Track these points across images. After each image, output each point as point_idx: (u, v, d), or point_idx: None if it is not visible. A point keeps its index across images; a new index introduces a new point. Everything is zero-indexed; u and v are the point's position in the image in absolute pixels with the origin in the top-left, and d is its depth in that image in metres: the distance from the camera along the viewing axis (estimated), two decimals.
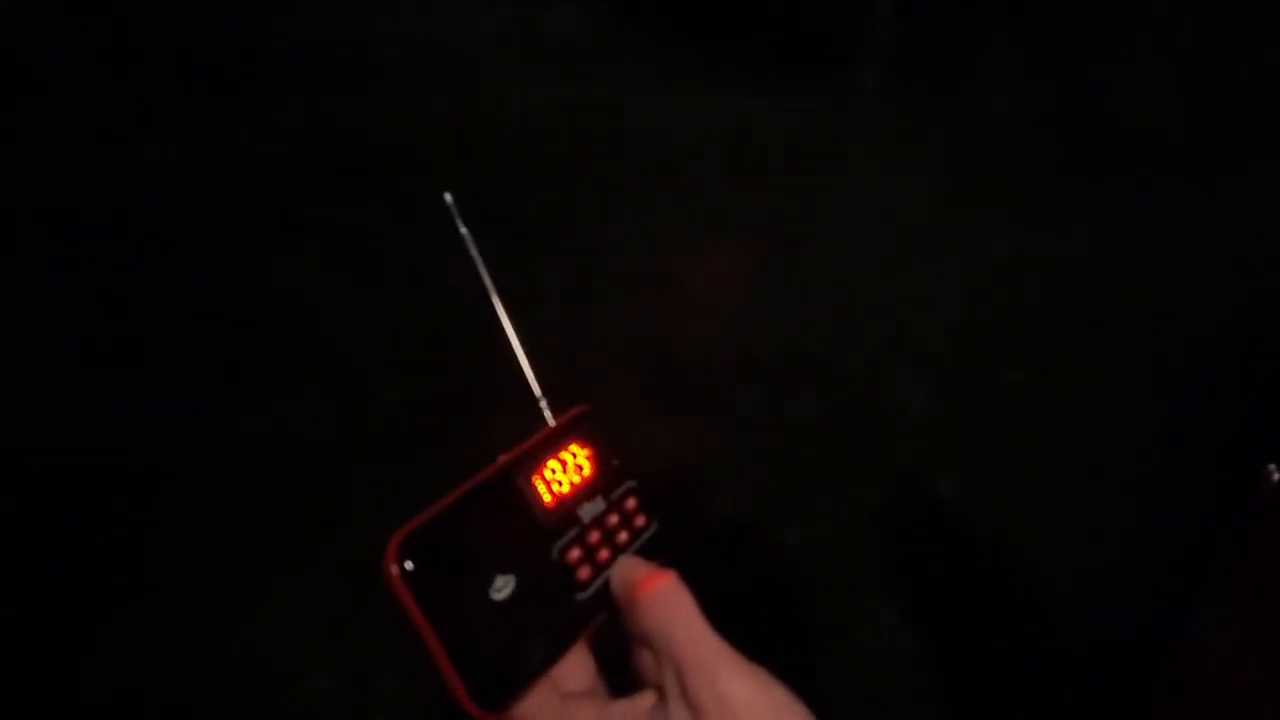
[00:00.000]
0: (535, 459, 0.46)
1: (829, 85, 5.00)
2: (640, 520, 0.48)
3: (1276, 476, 0.68)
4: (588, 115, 4.29)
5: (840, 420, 2.62)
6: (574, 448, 0.48)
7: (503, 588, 0.41)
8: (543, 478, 0.46)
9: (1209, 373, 2.86)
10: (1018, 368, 2.89)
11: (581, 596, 0.44)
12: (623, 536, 0.47)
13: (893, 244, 3.59)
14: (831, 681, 1.90)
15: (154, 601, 1.81)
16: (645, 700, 0.40)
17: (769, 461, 2.44)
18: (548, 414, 0.49)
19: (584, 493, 0.47)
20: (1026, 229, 3.78)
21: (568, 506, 0.46)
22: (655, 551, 0.48)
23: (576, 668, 0.44)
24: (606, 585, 0.45)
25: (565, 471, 0.47)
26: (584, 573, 0.44)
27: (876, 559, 2.18)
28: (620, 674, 0.45)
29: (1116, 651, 1.87)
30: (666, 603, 0.41)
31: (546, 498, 0.45)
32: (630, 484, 0.49)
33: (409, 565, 0.38)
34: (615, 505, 0.48)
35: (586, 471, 0.48)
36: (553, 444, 0.47)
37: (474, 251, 0.50)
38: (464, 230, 0.51)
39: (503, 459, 0.45)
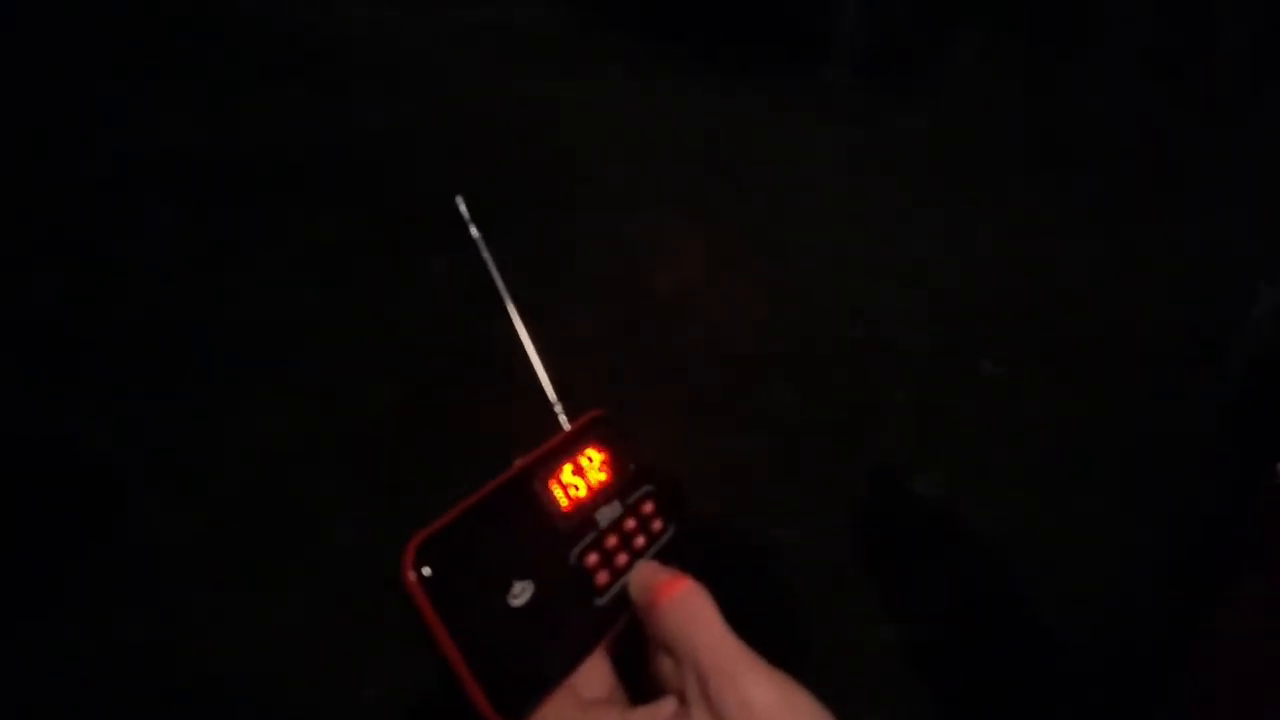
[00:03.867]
0: (551, 463, 0.45)
1: (801, 81, 5.02)
2: (657, 524, 0.48)
3: None
4: (558, 113, 4.28)
5: (819, 418, 2.63)
6: (590, 451, 0.47)
7: (521, 593, 0.41)
8: (559, 482, 0.45)
9: (1188, 368, 2.91)
10: (996, 364, 2.92)
11: (600, 602, 0.44)
12: (640, 541, 0.47)
13: (868, 240, 3.62)
14: (815, 679, 1.90)
15: (147, 610, 1.79)
16: (666, 707, 0.40)
17: (749, 461, 2.44)
18: (563, 418, 0.49)
19: (600, 497, 0.46)
20: (1001, 225, 3.82)
21: (584, 511, 0.45)
22: (673, 556, 0.47)
23: (595, 674, 0.43)
24: (624, 590, 0.44)
25: (581, 475, 0.46)
26: (602, 578, 0.44)
27: (860, 557, 2.19)
28: (638, 680, 0.44)
29: (1106, 648, 1.90)
30: (687, 608, 0.41)
31: (563, 502, 0.45)
32: (647, 487, 0.49)
33: (427, 571, 0.38)
34: (632, 509, 0.47)
35: (603, 475, 0.47)
36: (569, 448, 0.47)
37: (487, 254, 0.50)
38: (476, 233, 0.50)
39: (519, 463, 0.45)
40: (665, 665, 0.42)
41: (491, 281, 0.50)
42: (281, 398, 2.34)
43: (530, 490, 0.44)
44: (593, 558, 0.44)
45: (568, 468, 0.46)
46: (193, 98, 3.79)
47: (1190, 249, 3.67)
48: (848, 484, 2.40)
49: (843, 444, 2.54)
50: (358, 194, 3.29)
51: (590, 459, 0.47)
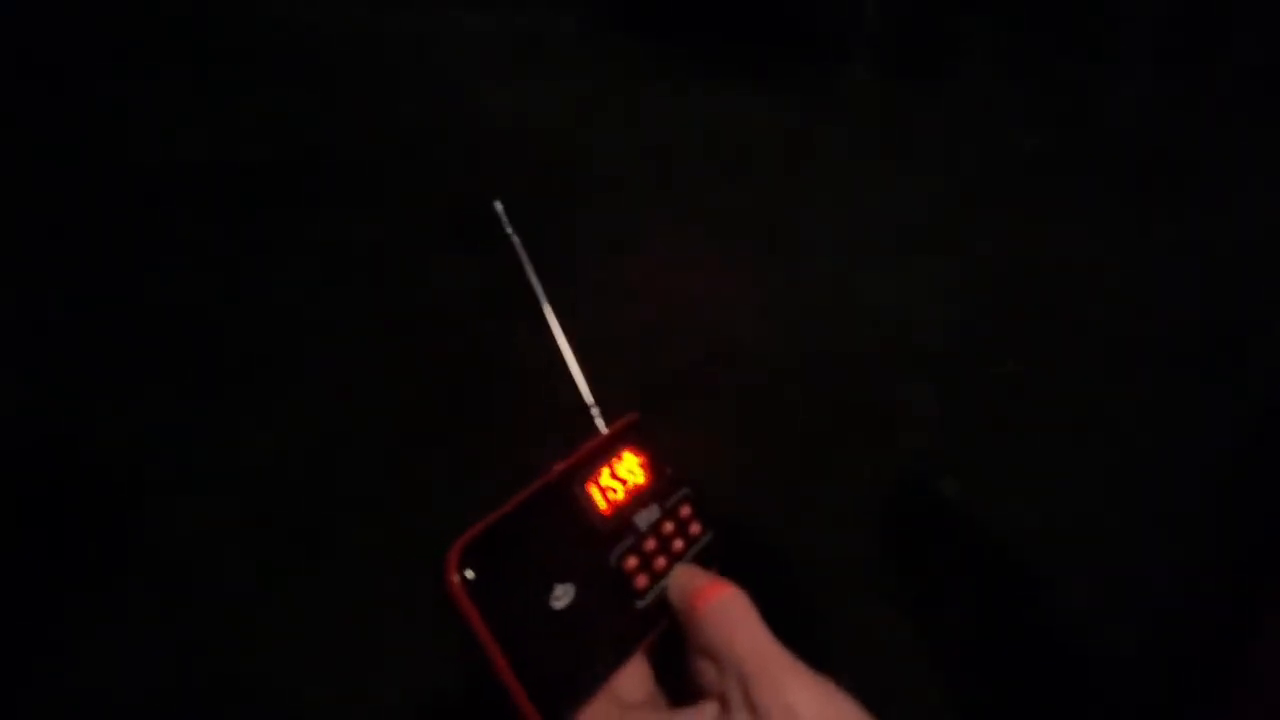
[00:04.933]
0: (589, 467, 0.46)
1: (818, 81, 5.00)
2: (695, 528, 0.48)
3: None
4: (566, 115, 4.28)
5: (838, 422, 2.62)
6: (627, 455, 0.48)
7: (562, 596, 0.41)
8: (598, 485, 0.45)
9: (1209, 369, 2.88)
10: (1016, 362, 2.90)
11: (640, 605, 0.44)
12: (678, 544, 0.47)
13: (886, 241, 3.60)
14: (838, 680, 1.90)
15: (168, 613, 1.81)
16: (708, 711, 0.40)
17: (767, 464, 2.44)
18: (599, 422, 0.49)
19: (638, 500, 0.47)
20: (1021, 224, 3.79)
21: (623, 514, 0.45)
22: (711, 559, 0.48)
23: (635, 677, 0.43)
24: (664, 593, 0.45)
25: (619, 479, 0.46)
26: (641, 580, 0.44)
27: (879, 560, 2.18)
28: (677, 684, 0.44)
29: (1132, 651, 1.88)
30: (729, 613, 0.41)
31: (602, 505, 0.45)
32: (685, 491, 0.49)
33: (470, 574, 0.38)
34: (670, 513, 0.47)
35: (640, 479, 0.47)
36: (606, 451, 0.47)
37: (525, 258, 0.50)
38: (514, 236, 0.51)
39: (558, 467, 0.45)
40: (706, 669, 0.42)
41: (525, 283, 0.50)
42: (301, 399, 2.35)
43: (569, 494, 0.44)
44: (632, 561, 0.44)
45: (605, 471, 0.46)
46: (200, 101, 3.83)
47: (1215, 249, 3.63)
48: (872, 485, 2.39)
49: (866, 445, 2.53)
50: (370, 196, 3.30)
51: (627, 462, 0.47)
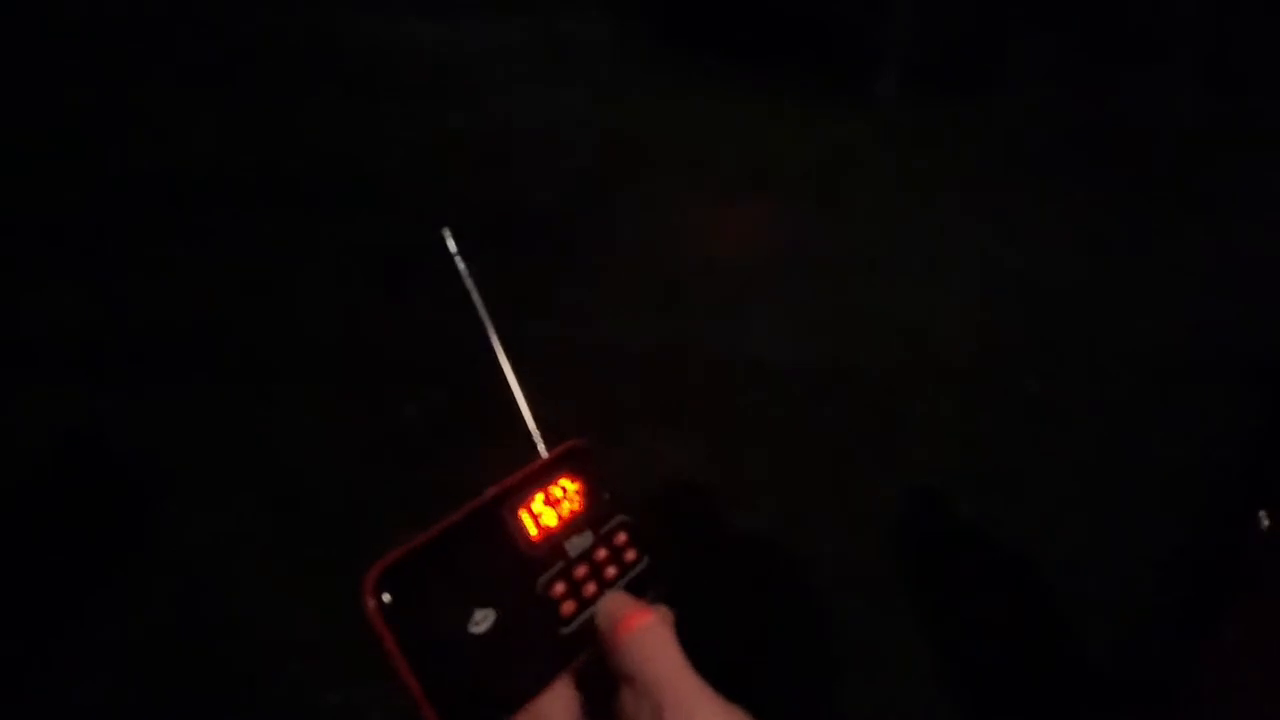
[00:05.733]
0: (523, 492, 0.46)
1: (849, 94, 4.98)
2: (630, 555, 0.48)
3: (1266, 523, 0.67)
4: (603, 125, 4.30)
5: (859, 435, 2.61)
6: (564, 481, 0.48)
7: (482, 621, 0.41)
8: (529, 511, 0.46)
9: (1234, 387, 2.81)
10: (1035, 380, 2.86)
11: (565, 631, 0.44)
12: (610, 571, 0.47)
13: (912, 256, 3.57)
14: (849, 697, 1.89)
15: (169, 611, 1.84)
16: None
17: (787, 477, 2.43)
18: (541, 447, 0.50)
19: (572, 526, 0.47)
20: (1049, 240, 3.74)
21: (554, 540, 0.46)
22: (646, 587, 0.48)
23: (559, 703, 0.44)
24: (592, 621, 0.45)
25: (554, 505, 0.47)
26: (568, 607, 0.44)
27: (895, 575, 2.16)
28: (608, 712, 0.45)
29: (1133, 671, 1.84)
30: (647, 641, 0.42)
31: (533, 531, 0.45)
32: (621, 518, 0.49)
33: (386, 598, 0.39)
34: (604, 540, 0.48)
35: (576, 505, 0.48)
36: (543, 477, 0.47)
37: (471, 286, 0.51)
38: (462, 266, 0.52)
39: (490, 491, 0.45)
40: (627, 697, 0.42)
41: (476, 312, 0.51)
42: (322, 401, 2.39)
43: (498, 518, 0.45)
44: (559, 587, 0.45)
45: (539, 497, 0.46)
46: (233, 108, 3.90)
47: (1243, 267, 3.56)
48: (889, 500, 2.37)
49: (884, 460, 2.52)
50: (395, 203, 3.35)
51: (564, 489, 0.48)
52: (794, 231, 3.68)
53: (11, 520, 1.97)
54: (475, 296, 0.51)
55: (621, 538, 0.48)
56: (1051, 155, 4.48)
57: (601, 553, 0.47)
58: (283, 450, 2.26)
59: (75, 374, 2.41)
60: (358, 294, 2.88)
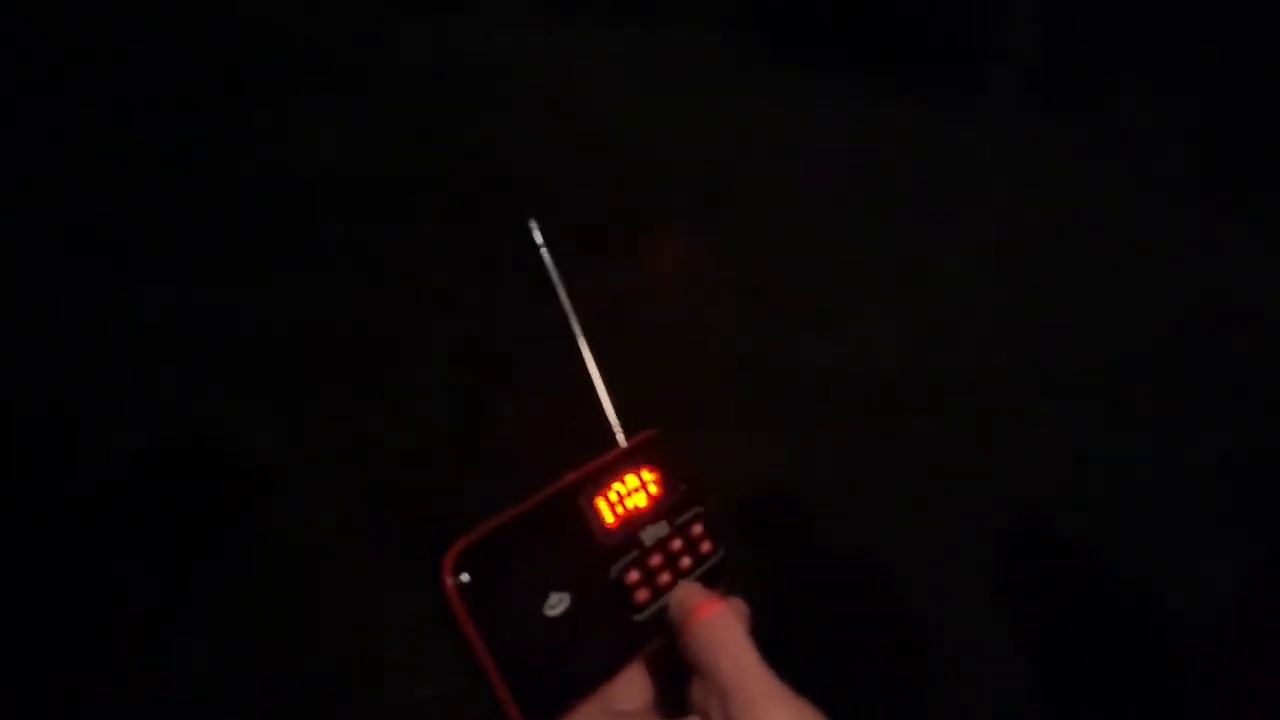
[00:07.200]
0: (601, 479, 0.47)
1: (960, 97, 4.83)
2: (706, 546, 0.49)
3: None
4: (696, 127, 4.29)
5: (953, 444, 2.53)
6: (642, 471, 0.48)
7: (557, 605, 0.42)
8: (606, 498, 0.46)
9: None
10: (1146, 400, 2.71)
11: (638, 618, 0.45)
12: (685, 562, 0.47)
13: (1020, 266, 3.44)
14: (929, 709, 1.84)
15: (245, 605, 1.92)
16: None
17: (876, 484, 2.38)
18: (620, 436, 0.50)
19: (648, 515, 0.47)
20: (1166, 252, 3.54)
21: (630, 528, 0.46)
22: (719, 579, 0.48)
23: (631, 689, 0.44)
24: (665, 610, 0.45)
25: (630, 493, 0.47)
26: (642, 595, 0.45)
27: (984, 587, 2.09)
28: (679, 699, 0.45)
29: (1232, 695, 1.73)
30: (717, 630, 0.42)
31: (609, 518, 0.46)
32: (698, 509, 0.49)
33: (465, 578, 0.40)
34: (680, 530, 0.48)
35: (653, 494, 0.48)
36: (621, 465, 0.48)
37: (556, 278, 0.52)
38: (547, 257, 0.53)
39: (568, 477, 0.46)
40: (697, 686, 0.43)
41: (559, 302, 0.52)
42: (384, 401, 2.47)
43: (576, 505, 0.45)
44: (634, 575, 0.45)
45: (617, 485, 0.47)
46: (347, 117, 4.06)
47: None
48: (981, 511, 2.30)
49: (979, 470, 2.43)
50: (469, 211, 3.40)
51: (641, 478, 0.48)
52: (900, 239, 3.59)
53: (121, 511, 2.09)
54: (560, 289, 0.52)
55: (697, 529, 0.49)
56: (1172, 162, 4.24)
57: (676, 543, 0.48)
58: (380, 445, 2.34)
59: (185, 369, 2.55)
60: (452, 291, 2.96)
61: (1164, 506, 2.32)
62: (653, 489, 0.48)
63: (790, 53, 5.17)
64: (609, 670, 0.43)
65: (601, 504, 0.46)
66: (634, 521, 0.47)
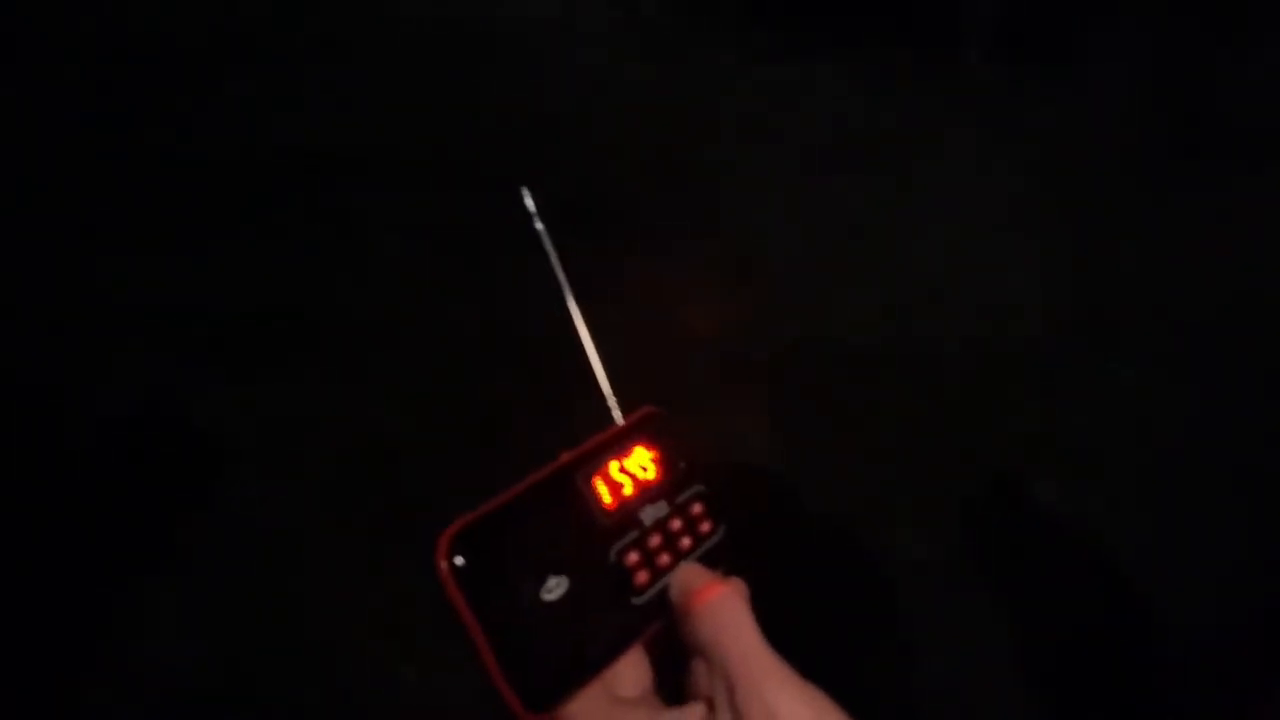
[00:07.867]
0: (598, 459, 0.45)
1: (931, 66, 4.80)
2: (706, 526, 0.47)
3: None
4: (674, 97, 4.24)
5: (937, 418, 2.53)
6: (640, 449, 0.47)
7: (555, 588, 0.41)
8: (604, 478, 0.45)
9: None
10: (1127, 365, 2.73)
11: (638, 601, 0.43)
12: (685, 542, 0.46)
13: (995, 233, 3.44)
14: (920, 680, 1.85)
15: (226, 588, 1.91)
16: (695, 711, 0.39)
17: (863, 460, 2.38)
18: (616, 413, 0.49)
19: (647, 495, 0.46)
20: (1138, 220, 3.55)
21: (629, 508, 0.45)
22: (720, 559, 0.47)
23: (631, 673, 0.43)
24: (665, 591, 0.44)
25: (628, 473, 0.46)
26: (642, 577, 0.44)
27: (970, 558, 2.11)
28: (679, 682, 0.44)
29: (1221, 664, 1.76)
30: (721, 613, 0.40)
31: (607, 499, 0.44)
32: (698, 488, 0.48)
33: (459, 561, 0.38)
34: (680, 509, 0.47)
35: (651, 473, 0.46)
36: (618, 444, 0.46)
37: (549, 247, 0.50)
38: (540, 226, 0.51)
39: (564, 457, 0.45)
40: (699, 670, 0.42)
41: (554, 275, 0.50)
42: (370, 379, 2.44)
43: (573, 485, 0.44)
44: (633, 556, 0.44)
45: (614, 464, 0.45)
46: (329, 87, 3.98)
47: None
48: (965, 482, 2.31)
49: (961, 445, 2.44)
50: (457, 182, 3.35)
51: (639, 457, 0.47)
52: (873, 204, 3.58)
53: (93, 486, 2.05)
54: (553, 258, 0.50)
55: (697, 508, 0.47)
56: (1147, 130, 4.24)
57: (676, 523, 0.46)
58: (365, 422, 2.31)
59: (162, 344, 2.50)
60: (439, 266, 2.92)
61: (1138, 474, 2.35)
62: (651, 468, 0.47)
63: (757, 16, 5.13)
64: (609, 655, 0.42)
65: (599, 484, 0.45)
66: (633, 501, 0.45)
